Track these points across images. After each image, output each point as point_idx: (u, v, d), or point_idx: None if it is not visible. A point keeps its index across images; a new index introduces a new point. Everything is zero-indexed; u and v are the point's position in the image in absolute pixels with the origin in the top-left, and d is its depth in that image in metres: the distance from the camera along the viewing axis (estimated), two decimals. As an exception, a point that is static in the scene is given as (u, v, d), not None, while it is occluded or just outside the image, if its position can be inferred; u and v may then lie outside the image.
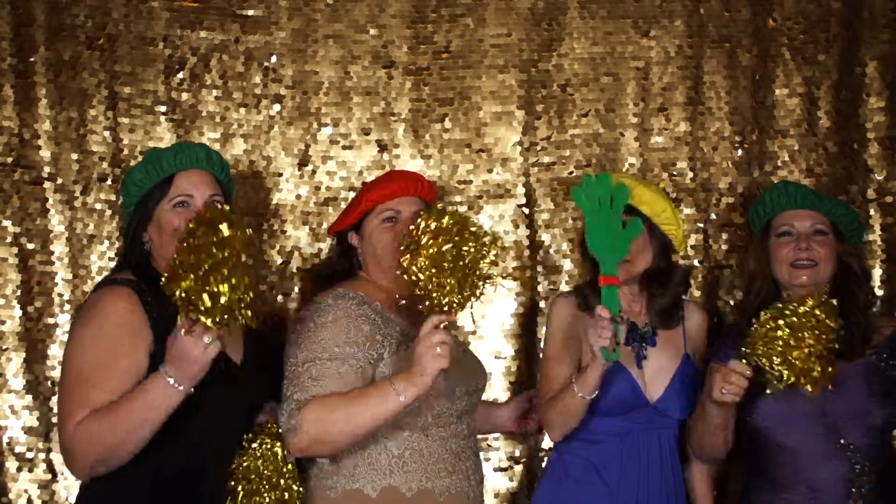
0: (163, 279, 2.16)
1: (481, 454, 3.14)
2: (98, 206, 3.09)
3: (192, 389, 2.21)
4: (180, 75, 3.15)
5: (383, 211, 2.60)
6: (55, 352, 3.01)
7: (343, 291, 2.50)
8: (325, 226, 3.17)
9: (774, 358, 2.39)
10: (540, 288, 3.25)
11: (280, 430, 2.39)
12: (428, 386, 2.30)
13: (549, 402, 2.65)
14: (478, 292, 2.33)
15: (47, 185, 3.06)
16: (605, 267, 2.49)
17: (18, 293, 3.04)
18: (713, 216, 3.27)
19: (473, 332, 3.23)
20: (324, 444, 2.37)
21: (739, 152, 3.28)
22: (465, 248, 2.29)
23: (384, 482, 2.42)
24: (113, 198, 3.07)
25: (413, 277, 2.29)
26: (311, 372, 2.37)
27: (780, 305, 2.46)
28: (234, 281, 2.09)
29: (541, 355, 2.82)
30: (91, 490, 2.34)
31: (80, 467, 2.29)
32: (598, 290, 2.54)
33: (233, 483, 2.40)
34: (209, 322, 2.09)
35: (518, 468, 3.22)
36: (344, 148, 3.23)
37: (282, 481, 2.41)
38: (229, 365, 2.39)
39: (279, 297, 3.19)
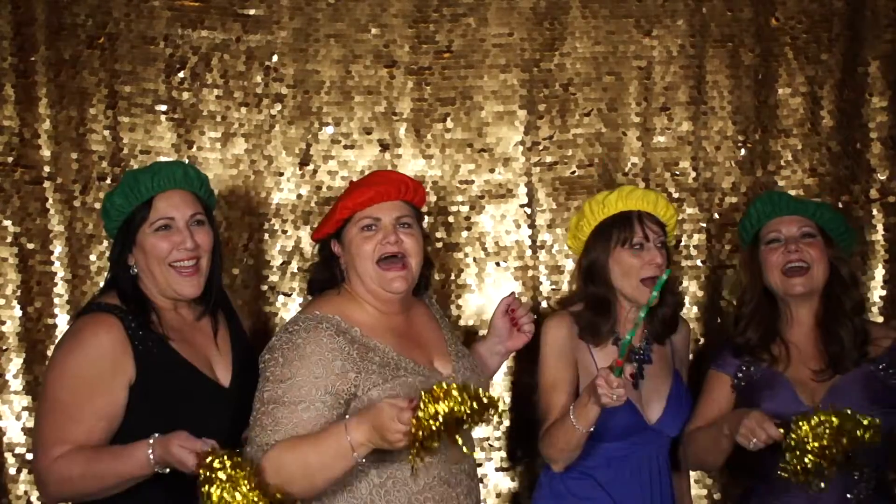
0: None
1: (482, 454, 3.15)
2: (97, 205, 3.06)
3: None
4: (181, 74, 3.14)
5: (361, 219, 2.41)
6: (55, 352, 3.01)
7: (320, 315, 2.34)
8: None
9: None
10: (542, 288, 3.24)
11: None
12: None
13: (547, 436, 2.59)
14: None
15: (47, 184, 3.05)
16: (623, 353, 2.38)
17: (18, 293, 3.03)
18: (716, 216, 3.27)
19: (474, 332, 3.23)
20: (287, 494, 2.22)
21: (742, 152, 3.27)
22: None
23: None
24: (113, 197, 3.06)
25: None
26: (274, 415, 2.24)
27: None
28: None
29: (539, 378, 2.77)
30: None
31: (51, 497, 2.36)
32: (598, 308, 2.66)
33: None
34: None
35: (519, 468, 3.21)
36: (345, 147, 3.21)
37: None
38: (215, 387, 2.41)
39: (279, 297, 3.18)
